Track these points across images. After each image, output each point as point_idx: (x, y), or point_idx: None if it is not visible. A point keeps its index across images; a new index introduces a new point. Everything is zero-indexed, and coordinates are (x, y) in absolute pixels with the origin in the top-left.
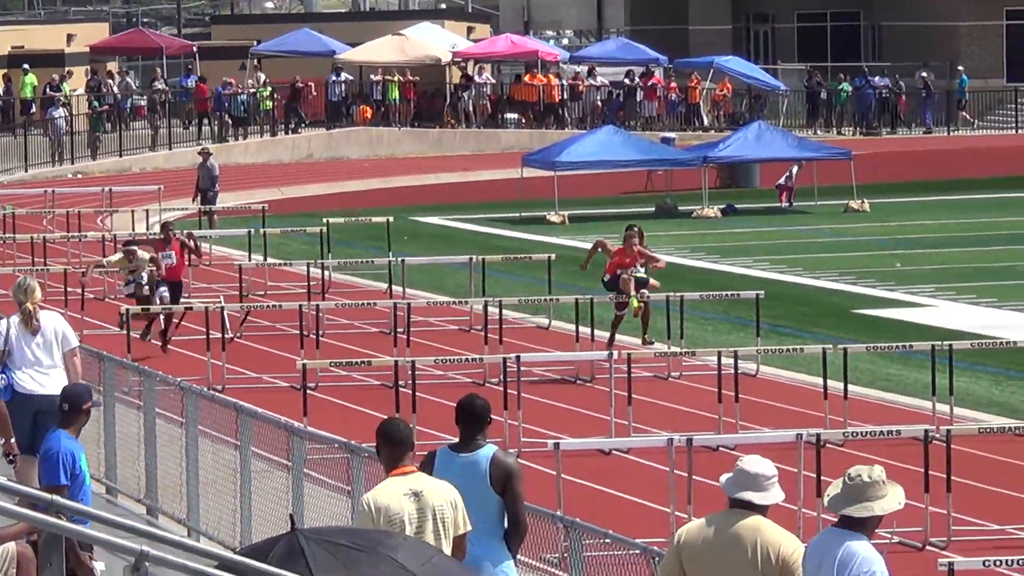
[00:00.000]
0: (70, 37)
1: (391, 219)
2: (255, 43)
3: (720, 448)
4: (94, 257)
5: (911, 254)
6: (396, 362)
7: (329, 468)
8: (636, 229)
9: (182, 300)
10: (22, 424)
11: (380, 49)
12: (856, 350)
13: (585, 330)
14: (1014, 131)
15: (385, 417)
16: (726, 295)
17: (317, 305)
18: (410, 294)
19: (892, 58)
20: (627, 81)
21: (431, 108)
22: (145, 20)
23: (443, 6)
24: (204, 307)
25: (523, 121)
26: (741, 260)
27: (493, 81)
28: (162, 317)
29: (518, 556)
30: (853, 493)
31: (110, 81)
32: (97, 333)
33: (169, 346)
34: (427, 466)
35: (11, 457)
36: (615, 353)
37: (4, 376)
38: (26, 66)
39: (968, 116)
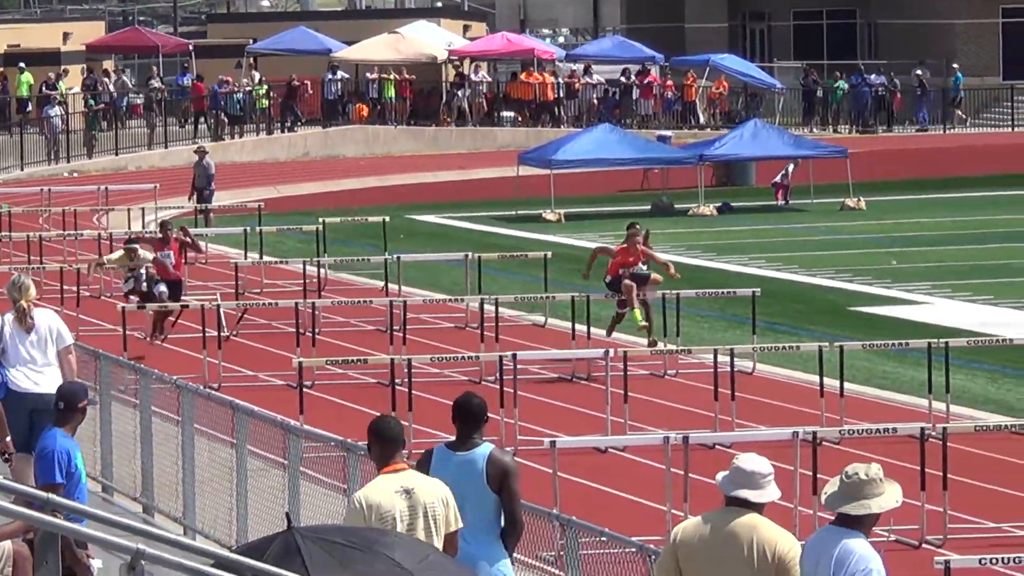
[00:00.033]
0: (66, 35)
1: (387, 219)
2: (251, 41)
3: (716, 446)
4: (93, 255)
5: (907, 252)
6: (392, 360)
7: (325, 466)
8: (639, 227)
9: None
10: (17, 422)
11: (376, 47)
12: (852, 348)
13: (581, 328)
14: (1010, 129)
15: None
16: (722, 293)
17: (313, 303)
18: (406, 292)
19: (888, 56)
20: (623, 79)
21: (427, 106)
22: (141, 18)
23: (439, 4)
24: (200, 305)
25: (519, 119)
26: (737, 258)
27: (489, 79)
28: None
29: (514, 554)
30: (850, 491)
31: (106, 79)
32: (94, 333)
33: (165, 342)
34: (424, 464)
35: (6, 456)
36: (611, 351)
37: None
38: (22, 64)
39: (962, 114)
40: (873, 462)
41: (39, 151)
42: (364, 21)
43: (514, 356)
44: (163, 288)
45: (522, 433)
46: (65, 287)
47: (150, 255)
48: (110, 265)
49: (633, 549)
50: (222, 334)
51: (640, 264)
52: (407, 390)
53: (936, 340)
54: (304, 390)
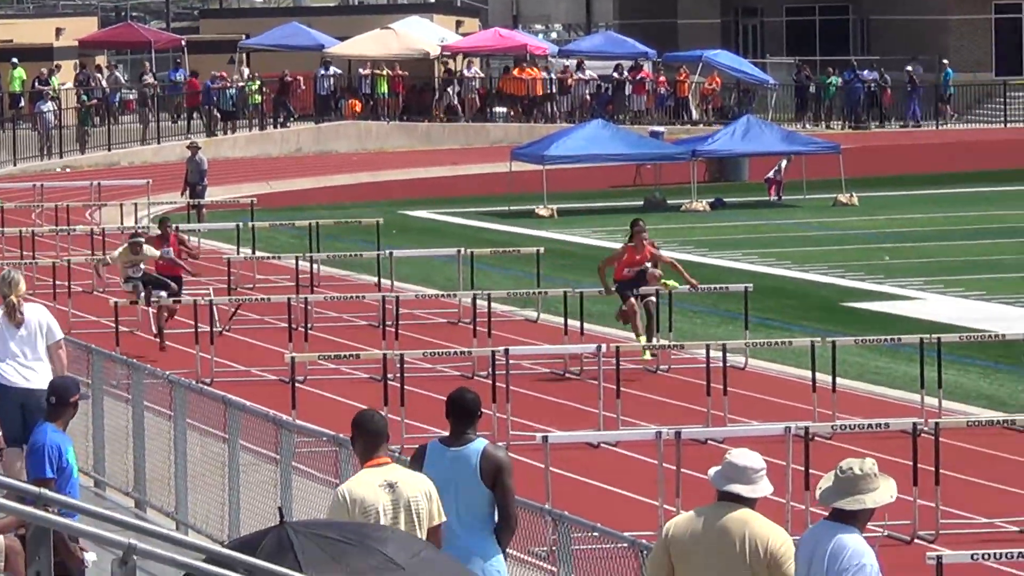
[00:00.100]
0: (59, 31)
1: (381, 220)
2: (244, 37)
3: (708, 441)
4: (86, 250)
5: (900, 247)
6: (385, 355)
7: (317, 461)
8: (643, 223)
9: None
10: (7, 417)
11: (369, 43)
12: (844, 343)
13: (574, 323)
14: (1002, 125)
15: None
16: (715, 288)
17: (306, 298)
18: (399, 287)
19: (881, 52)
20: (616, 75)
21: (420, 102)
22: (134, 14)
23: (432, 0)
24: (193, 301)
25: (512, 114)
26: (730, 253)
27: (482, 75)
28: (164, 315)
29: (507, 550)
30: (844, 486)
31: (99, 75)
32: (88, 331)
33: (166, 342)
34: (418, 460)
35: None
36: (603, 346)
37: None
38: (15, 60)
39: (949, 110)
40: (868, 457)
41: (32, 146)
42: (357, 17)
43: (506, 351)
44: (163, 292)
45: (514, 428)
46: (58, 282)
47: (156, 251)
48: (115, 262)
49: (625, 544)
50: (215, 329)
51: (647, 263)
52: (399, 385)
53: (928, 335)
54: (296, 385)
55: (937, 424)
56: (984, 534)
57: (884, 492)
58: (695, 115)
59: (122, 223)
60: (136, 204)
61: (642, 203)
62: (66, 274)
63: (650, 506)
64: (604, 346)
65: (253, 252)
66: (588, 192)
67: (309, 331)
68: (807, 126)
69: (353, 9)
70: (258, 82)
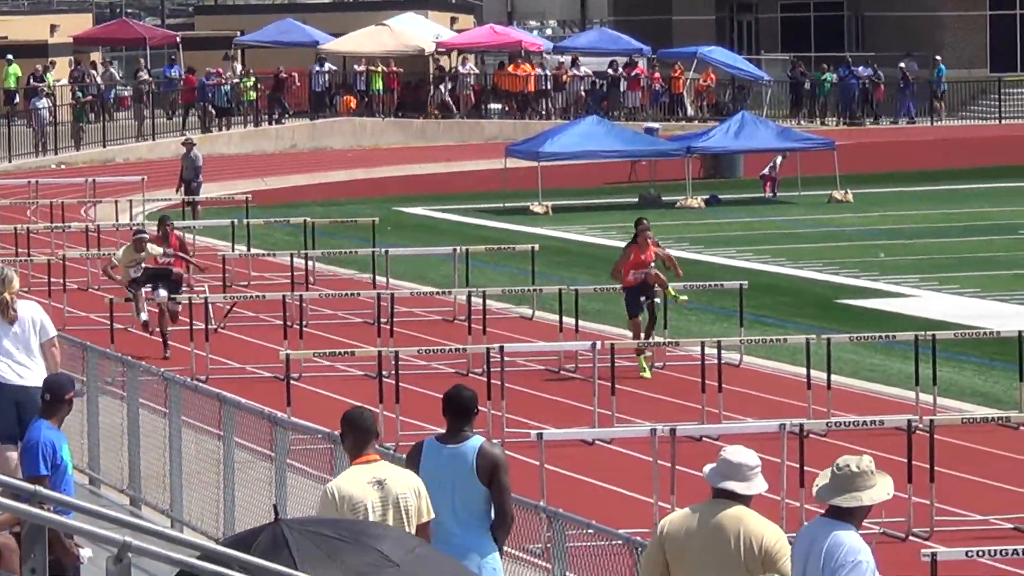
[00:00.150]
0: (53, 27)
1: (376, 220)
2: (239, 33)
3: (703, 438)
4: (81, 247)
5: (894, 244)
6: (380, 352)
7: (312, 458)
8: (647, 222)
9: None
10: (1, 414)
11: (364, 39)
12: (839, 340)
13: (569, 320)
14: (997, 121)
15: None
16: (710, 285)
17: (301, 295)
18: (394, 284)
19: (876, 48)
20: (611, 71)
21: (415, 98)
22: (129, 11)
23: None
24: (188, 298)
25: (507, 111)
26: (725, 250)
27: (477, 71)
28: (167, 317)
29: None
30: (841, 483)
31: (94, 72)
32: (83, 328)
33: (153, 335)
34: (414, 457)
35: None
36: (598, 343)
37: None
38: (9, 56)
39: (939, 107)
40: (865, 454)
41: (27, 143)
42: (352, 13)
43: (501, 349)
44: (163, 293)
45: (509, 425)
46: (53, 279)
47: (158, 248)
48: (119, 262)
49: (620, 541)
50: (210, 326)
51: (653, 264)
52: (394, 382)
53: (923, 332)
54: (291, 382)
55: (932, 421)
56: (979, 531)
57: (881, 489)
58: (690, 112)
59: (117, 220)
60: (131, 201)
61: (637, 200)
62: (61, 271)
63: (645, 503)
64: (599, 343)
65: (248, 249)
66: (583, 189)
67: (304, 328)
68: (802, 122)
69: (348, 5)
70: (253, 78)
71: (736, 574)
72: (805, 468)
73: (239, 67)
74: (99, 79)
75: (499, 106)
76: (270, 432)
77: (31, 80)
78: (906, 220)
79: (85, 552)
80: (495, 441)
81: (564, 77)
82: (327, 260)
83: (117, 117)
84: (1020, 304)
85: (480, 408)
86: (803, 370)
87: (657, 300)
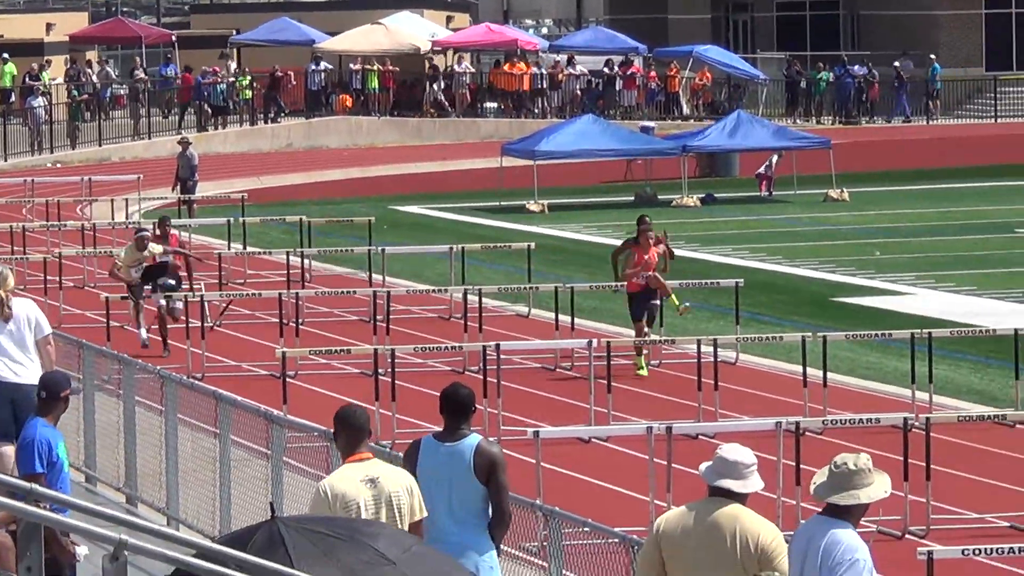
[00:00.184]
0: (49, 26)
1: (372, 219)
2: (234, 32)
3: (699, 436)
4: (76, 246)
5: (890, 243)
6: (376, 350)
7: (308, 456)
8: (649, 220)
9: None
10: None
11: (359, 38)
12: (835, 338)
13: (565, 318)
14: (993, 120)
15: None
16: (706, 283)
17: (297, 293)
18: (390, 282)
19: (871, 47)
20: (606, 70)
21: (411, 97)
22: (124, 9)
23: None
24: (184, 296)
25: (502, 109)
26: (721, 249)
27: (472, 70)
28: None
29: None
30: (839, 481)
31: (89, 70)
32: (79, 326)
33: (149, 332)
34: (411, 455)
35: None
36: (595, 341)
37: None
38: (5, 55)
39: (935, 106)
40: (863, 452)
41: (22, 142)
42: (347, 12)
43: (497, 346)
44: (162, 302)
45: (505, 423)
46: (49, 277)
47: (159, 247)
48: (123, 263)
49: (616, 540)
50: (206, 324)
51: (655, 264)
52: (391, 380)
53: (919, 330)
54: (287, 380)
55: (928, 419)
56: (975, 529)
57: (878, 487)
58: (686, 110)
59: (113, 218)
60: (127, 199)
61: (633, 198)
62: (57, 269)
63: (641, 501)
64: (595, 341)
65: (244, 247)
66: (579, 187)
67: (300, 326)
68: (797, 121)
69: (343, 4)
70: (249, 77)
71: (732, 572)
72: (801, 466)
73: (235, 66)
74: (95, 78)
75: (495, 105)
76: (266, 430)
77: (27, 79)
78: (902, 219)
79: (81, 550)
80: (492, 439)
81: (560, 76)
82: (323, 258)
83: (113, 116)
84: (1016, 302)
85: (477, 406)
86: (799, 368)
87: (655, 302)
